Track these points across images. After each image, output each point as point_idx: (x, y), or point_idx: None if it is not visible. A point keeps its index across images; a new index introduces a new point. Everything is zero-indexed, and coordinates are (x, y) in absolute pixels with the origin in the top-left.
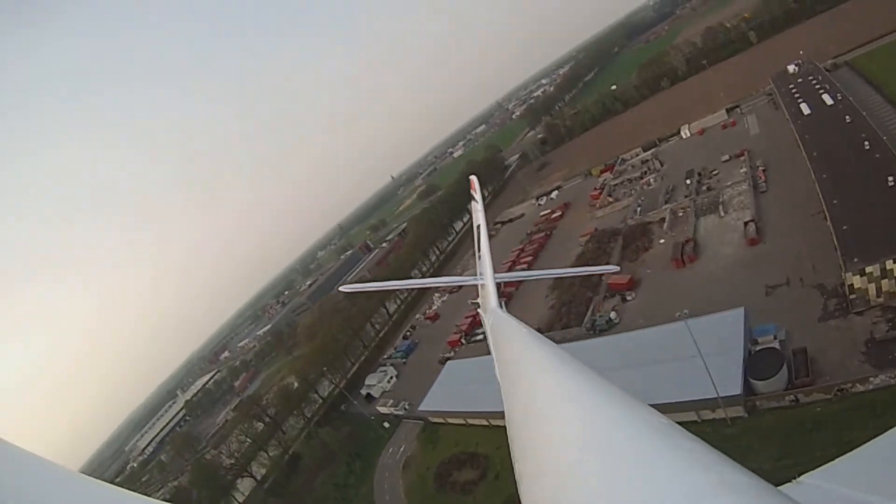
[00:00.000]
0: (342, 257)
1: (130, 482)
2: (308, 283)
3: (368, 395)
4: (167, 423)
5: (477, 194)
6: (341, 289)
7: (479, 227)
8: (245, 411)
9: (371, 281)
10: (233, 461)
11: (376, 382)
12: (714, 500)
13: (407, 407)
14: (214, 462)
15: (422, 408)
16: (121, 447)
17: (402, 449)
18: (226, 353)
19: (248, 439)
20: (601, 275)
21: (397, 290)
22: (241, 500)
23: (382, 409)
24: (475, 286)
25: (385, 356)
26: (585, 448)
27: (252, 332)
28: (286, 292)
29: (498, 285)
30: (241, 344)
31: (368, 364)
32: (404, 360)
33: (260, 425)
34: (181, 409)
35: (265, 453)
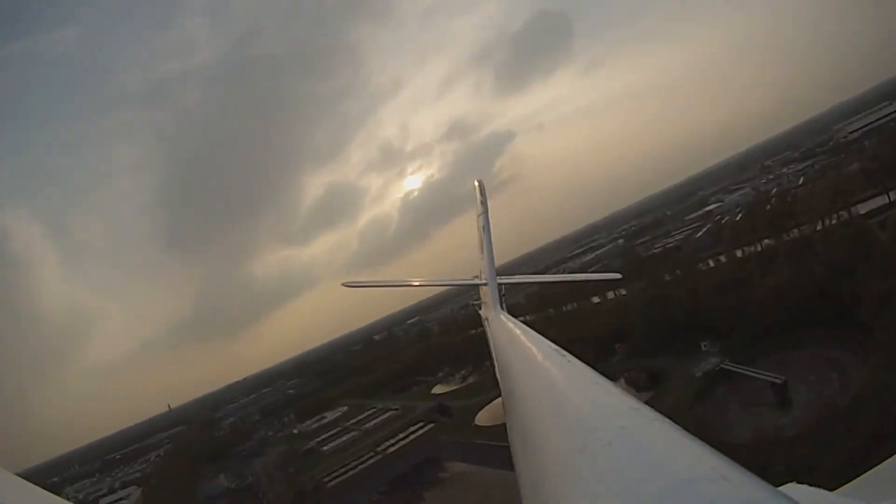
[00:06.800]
0: None
1: None
2: None
3: None
4: None
5: (482, 197)
6: (343, 284)
7: (482, 228)
8: None
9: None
10: None
11: None
12: (715, 498)
13: None
14: None
15: None
16: None
17: None
18: None
19: None
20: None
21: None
22: None
23: None
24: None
25: None
26: (586, 448)
27: None
28: None
29: (499, 287)
30: None
31: None
32: None
33: None
34: None
35: None
